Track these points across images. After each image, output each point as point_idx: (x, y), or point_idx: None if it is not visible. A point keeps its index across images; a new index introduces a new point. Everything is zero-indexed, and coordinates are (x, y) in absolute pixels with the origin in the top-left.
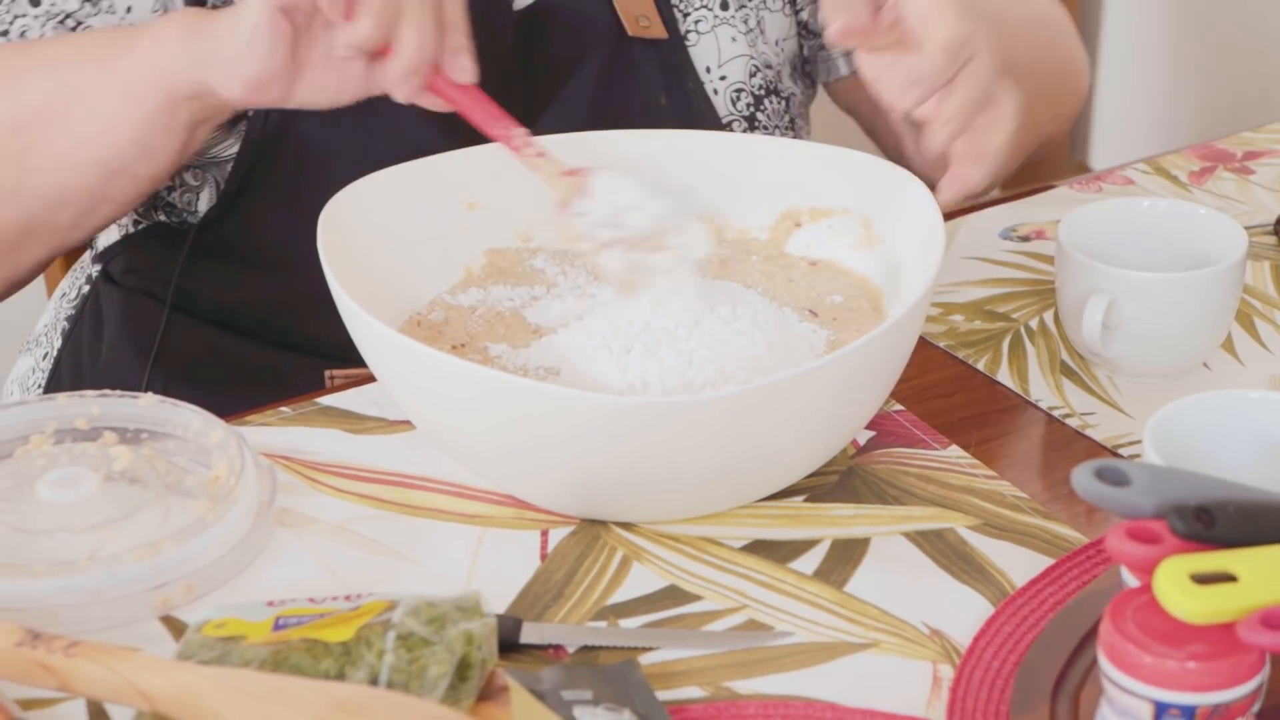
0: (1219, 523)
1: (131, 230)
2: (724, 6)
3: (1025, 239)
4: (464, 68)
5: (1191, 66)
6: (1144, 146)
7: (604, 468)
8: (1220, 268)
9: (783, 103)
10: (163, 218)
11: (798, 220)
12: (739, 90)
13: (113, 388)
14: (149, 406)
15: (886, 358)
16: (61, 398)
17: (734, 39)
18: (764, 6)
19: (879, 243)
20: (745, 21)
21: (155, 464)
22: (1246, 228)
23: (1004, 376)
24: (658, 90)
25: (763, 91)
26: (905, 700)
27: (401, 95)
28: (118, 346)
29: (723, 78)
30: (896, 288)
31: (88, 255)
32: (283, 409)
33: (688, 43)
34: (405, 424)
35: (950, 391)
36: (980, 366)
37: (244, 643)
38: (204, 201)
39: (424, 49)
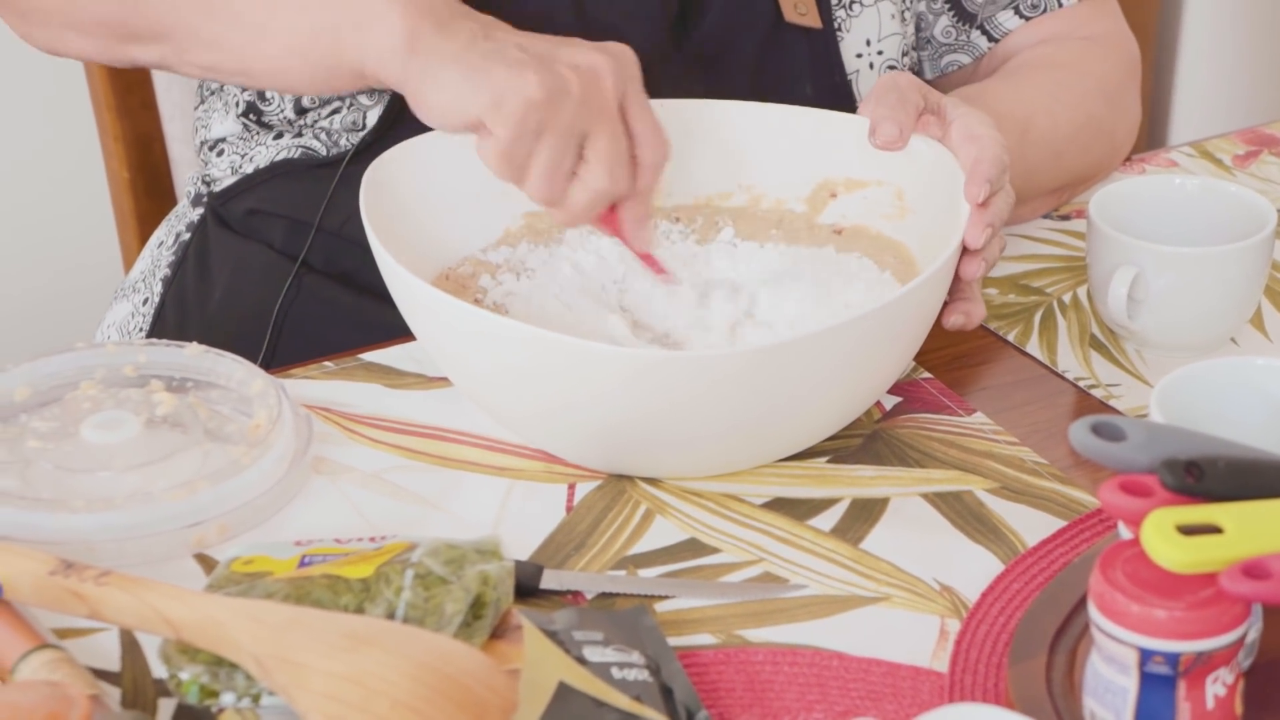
0: (1208, 477)
1: (263, 165)
2: None
3: (1065, 217)
4: (643, 240)
5: (1274, 50)
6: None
7: (629, 422)
8: (1248, 243)
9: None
10: (315, 143)
11: (833, 191)
12: (891, 67)
13: (225, 336)
14: (194, 356)
15: (911, 319)
16: (110, 346)
17: (893, 15)
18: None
19: (911, 213)
20: (902, 1)
21: (198, 410)
22: None
23: (1033, 348)
24: (804, 80)
25: (914, 72)
26: (912, 651)
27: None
28: (231, 294)
29: (880, 53)
30: (927, 255)
31: (185, 202)
32: (326, 363)
33: (851, 13)
34: (443, 381)
35: (979, 362)
36: (1010, 338)
37: (269, 578)
38: (372, 117)
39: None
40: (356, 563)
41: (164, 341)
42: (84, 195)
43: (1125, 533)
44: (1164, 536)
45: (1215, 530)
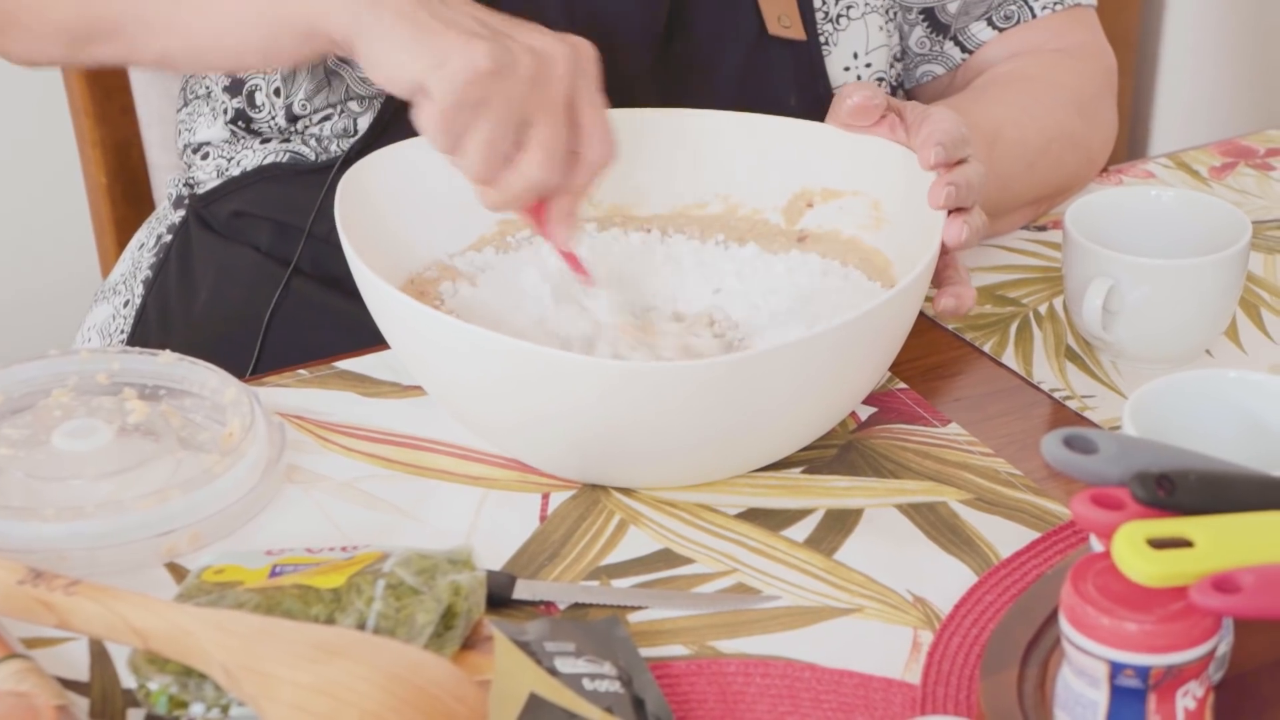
0: (1180, 490)
1: (250, 169)
2: None
3: (1042, 228)
4: (566, 238)
5: (1256, 60)
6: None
7: (603, 433)
8: (1223, 255)
9: (904, 98)
10: (304, 148)
11: (810, 201)
12: (880, 79)
13: (210, 339)
14: (168, 364)
15: (885, 329)
16: (84, 352)
17: (880, 28)
18: (909, 11)
19: (888, 224)
20: (889, 13)
21: (170, 419)
22: (1263, 221)
23: (1009, 359)
24: (789, 91)
25: (897, 83)
26: (884, 662)
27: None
28: (216, 296)
29: (868, 65)
30: (903, 264)
31: (166, 204)
32: (300, 371)
33: (838, 27)
34: (418, 389)
35: (954, 372)
36: (986, 349)
37: (240, 587)
38: (363, 123)
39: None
40: (328, 572)
41: (137, 350)
42: (62, 201)
43: (1097, 545)
44: (1135, 550)
45: (1186, 544)
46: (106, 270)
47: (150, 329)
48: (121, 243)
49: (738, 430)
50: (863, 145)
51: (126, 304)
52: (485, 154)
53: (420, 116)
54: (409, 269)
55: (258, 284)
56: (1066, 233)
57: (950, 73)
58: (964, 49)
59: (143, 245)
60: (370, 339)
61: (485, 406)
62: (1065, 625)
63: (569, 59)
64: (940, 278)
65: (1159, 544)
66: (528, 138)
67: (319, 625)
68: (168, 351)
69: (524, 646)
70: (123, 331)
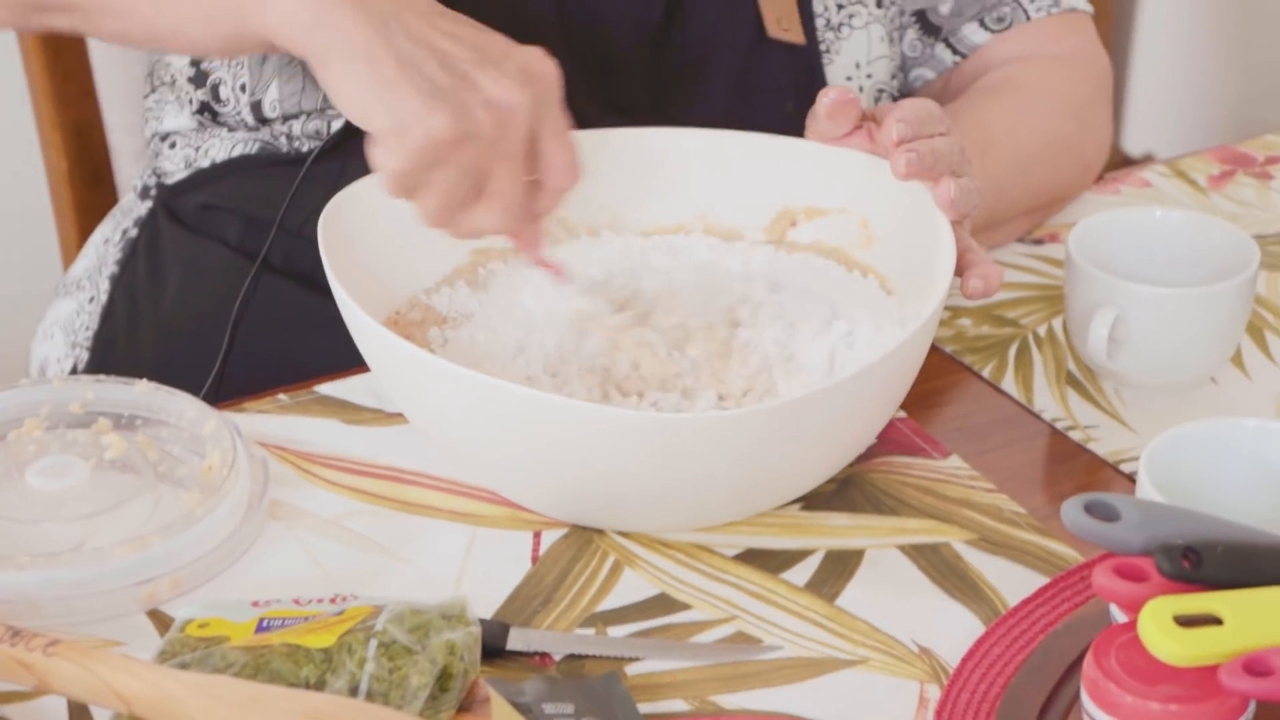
0: (1206, 563)
1: (219, 160)
2: (879, 4)
3: (1039, 242)
4: (533, 244)
5: (1230, 52)
6: (1180, 129)
7: (595, 479)
8: (1232, 283)
9: None
10: (276, 143)
11: (794, 219)
12: (880, 91)
13: (180, 335)
14: (144, 393)
15: (896, 374)
16: (56, 381)
17: (882, 39)
18: (902, 14)
19: (878, 242)
20: (891, 22)
21: (147, 452)
22: (1263, 236)
23: (1008, 384)
24: (787, 95)
25: (898, 94)
26: (891, 719)
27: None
28: (185, 292)
29: (869, 75)
30: (901, 281)
31: (131, 196)
32: (280, 396)
33: (840, 36)
34: (400, 417)
35: (954, 399)
36: (985, 374)
37: (225, 644)
38: (337, 123)
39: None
40: (317, 630)
41: (112, 378)
42: (21, 186)
43: (1118, 615)
44: (1162, 630)
45: (1214, 620)
46: (68, 256)
47: (118, 325)
48: (83, 227)
49: (737, 480)
50: (846, 160)
51: (92, 300)
52: (440, 205)
53: (375, 160)
54: (397, 299)
55: (227, 279)
56: (1070, 258)
57: (942, 78)
58: (955, 52)
59: (108, 240)
60: (342, 337)
61: (472, 448)
62: (1087, 700)
63: (531, 108)
64: (961, 262)
65: (1186, 621)
66: (485, 188)
67: (310, 692)
68: (144, 381)
69: (522, 709)
70: (88, 329)
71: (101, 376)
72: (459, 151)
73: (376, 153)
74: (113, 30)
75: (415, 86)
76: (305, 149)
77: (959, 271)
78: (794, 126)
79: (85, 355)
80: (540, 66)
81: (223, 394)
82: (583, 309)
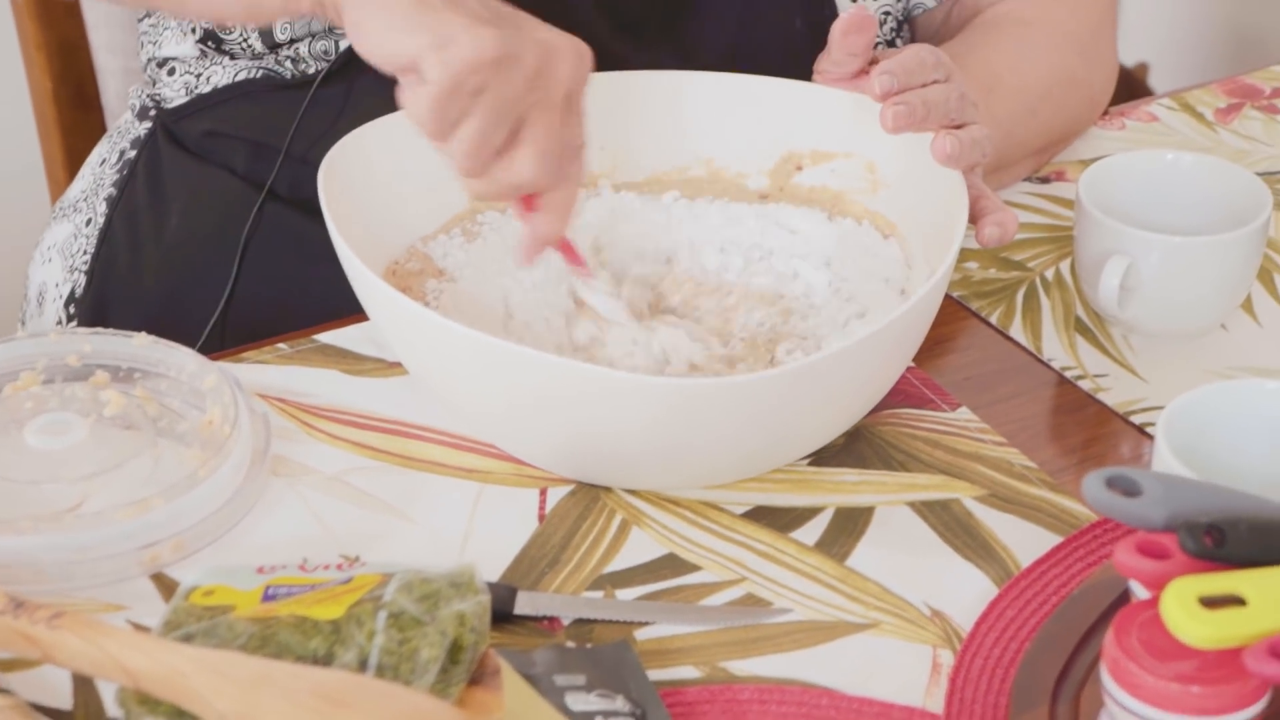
0: (1230, 541)
1: (221, 85)
2: None
3: (1045, 180)
4: (557, 229)
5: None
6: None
7: (604, 441)
8: (1245, 230)
9: (908, 34)
10: (279, 66)
11: (799, 163)
12: (886, 13)
13: (184, 263)
14: (143, 346)
15: (908, 334)
16: (53, 334)
17: None
18: None
19: (886, 187)
20: None
21: (147, 407)
22: (1270, 173)
23: (1016, 331)
24: (795, 12)
25: (903, 17)
26: (903, 686)
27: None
28: (189, 218)
29: None
30: (909, 229)
31: (129, 115)
32: (280, 345)
33: None
34: (401, 367)
35: (962, 346)
36: (994, 320)
37: (232, 614)
38: (345, 42)
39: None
40: (325, 601)
41: (110, 330)
42: (4, 106)
43: (1139, 591)
44: (1186, 611)
45: (1238, 600)
46: (54, 177)
47: (118, 250)
48: (69, 149)
49: (745, 442)
50: (853, 104)
51: (89, 222)
52: (476, 145)
53: (409, 98)
54: (399, 248)
55: (233, 207)
56: (1081, 205)
57: (943, 6)
58: None
59: (104, 160)
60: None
61: (479, 405)
62: (1107, 679)
63: (575, 59)
64: (974, 209)
65: (1209, 601)
66: (522, 135)
67: (319, 669)
68: (143, 334)
69: (533, 680)
70: (85, 252)
71: (99, 329)
72: (502, 78)
73: (409, 89)
74: None
75: (460, 11)
76: (312, 70)
77: (973, 219)
78: (802, 43)
79: (83, 279)
80: (581, 44)
81: (230, 322)
82: (598, 307)
